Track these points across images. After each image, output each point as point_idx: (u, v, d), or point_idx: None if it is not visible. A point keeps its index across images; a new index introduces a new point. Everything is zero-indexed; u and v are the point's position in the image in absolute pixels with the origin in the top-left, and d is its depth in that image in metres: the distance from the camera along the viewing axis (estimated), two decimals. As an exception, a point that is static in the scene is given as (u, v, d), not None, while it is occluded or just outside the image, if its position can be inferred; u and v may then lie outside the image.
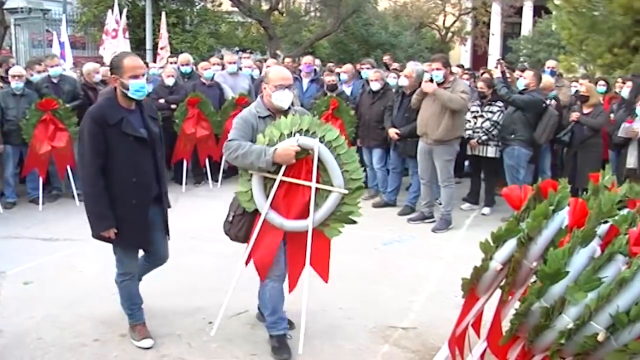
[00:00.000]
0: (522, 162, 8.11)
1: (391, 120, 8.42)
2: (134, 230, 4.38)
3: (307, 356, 4.42)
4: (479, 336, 3.87)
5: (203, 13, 22.77)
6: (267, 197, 4.27)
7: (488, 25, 31.61)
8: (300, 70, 10.48)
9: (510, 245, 3.38)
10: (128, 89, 4.23)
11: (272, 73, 4.43)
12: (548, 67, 10.55)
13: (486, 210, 8.70)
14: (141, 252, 4.67)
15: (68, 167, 8.47)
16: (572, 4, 13.70)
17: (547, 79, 9.10)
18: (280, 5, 24.76)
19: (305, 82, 10.18)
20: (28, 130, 8.13)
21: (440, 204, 8.01)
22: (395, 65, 12.59)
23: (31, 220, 7.82)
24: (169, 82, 9.83)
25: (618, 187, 3.82)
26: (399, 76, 9.38)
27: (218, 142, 9.56)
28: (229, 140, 4.35)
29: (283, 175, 4.22)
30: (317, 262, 4.32)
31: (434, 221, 8.00)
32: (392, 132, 8.21)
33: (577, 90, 9.60)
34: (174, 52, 16.05)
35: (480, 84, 8.80)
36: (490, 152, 8.47)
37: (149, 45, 18.27)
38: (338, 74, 10.20)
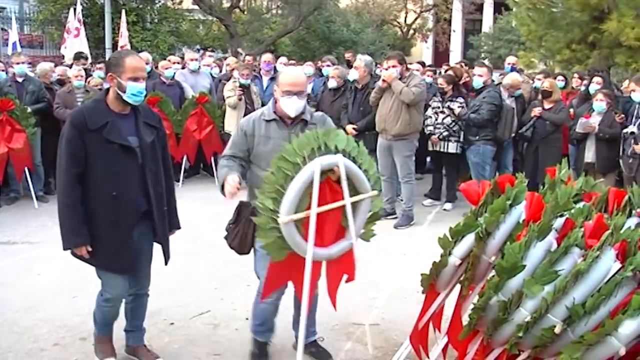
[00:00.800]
0: (487, 159, 8.20)
1: (347, 117, 8.44)
2: (111, 251, 3.87)
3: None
4: (439, 331, 3.90)
5: (163, 11, 22.52)
6: (304, 236, 3.60)
7: (449, 22, 31.94)
8: (261, 69, 10.47)
9: (469, 240, 3.41)
10: (124, 92, 3.79)
11: (282, 77, 4.08)
12: (508, 64, 10.69)
13: (448, 205, 8.76)
14: None
15: (26, 169, 8.31)
16: (531, 0, 13.88)
17: (514, 77, 9.21)
18: (241, 3, 24.64)
19: (265, 80, 10.16)
20: (-17, 131, 7.96)
21: (402, 200, 8.05)
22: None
23: (-12, 224, 7.66)
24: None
25: (575, 181, 3.88)
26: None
27: (179, 141, 9.50)
28: (223, 157, 4.16)
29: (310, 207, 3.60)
30: (347, 268, 4.00)
31: (395, 217, 8.04)
32: (349, 128, 8.22)
33: (535, 86, 9.73)
34: (134, 51, 15.85)
35: (440, 80, 8.86)
36: (452, 147, 8.53)
37: (108, 44, 18.00)
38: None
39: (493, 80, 9.15)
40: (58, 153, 3.83)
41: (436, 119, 8.57)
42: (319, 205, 3.60)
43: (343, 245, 3.83)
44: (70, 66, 10.40)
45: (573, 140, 8.31)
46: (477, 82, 8.39)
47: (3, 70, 9.06)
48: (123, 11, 16.44)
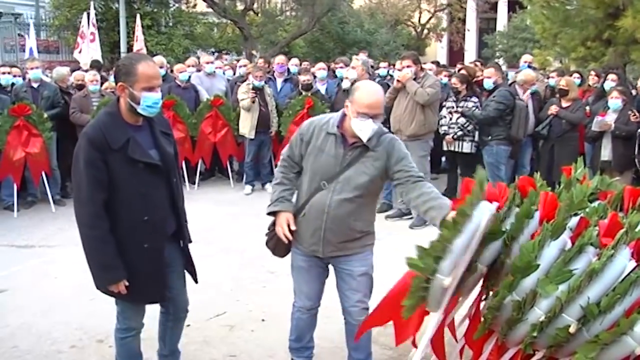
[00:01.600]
0: (501, 159, 8.15)
1: None
2: (147, 280, 3.50)
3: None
4: (454, 335, 3.90)
5: (178, 14, 22.63)
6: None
7: (463, 21, 31.80)
8: (274, 71, 10.50)
9: (495, 246, 3.36)
10: (139, 104, 3.33)
11: (359, 94, 3.57)
12: (525, 62, 10.61)
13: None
14: None
15: (43, 173, 8.38)
16: (545, -2, 13.81)
17: (528, 73, 9.17)
18: (255, 5, 24.68)
19: (279, 82, 10.21)
20: (1, 136, 8.02)
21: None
22: (371, 63, 12.62)
23: (6, 227, 7.73)
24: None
25: (591, 180, 3.86)
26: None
27: (194, 144, 9.56)
28: (281, 158, 3.93)
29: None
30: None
31: (411, 218, 8.03)
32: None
33: (548, 85, 9.67)
34: (149, 55, 15.94)
35: (453, 80, 8.83)
36: (466, 147, 8.51)
37: (123, 48, 18.13)
38: (314, 73, 10.26)
39: (508, 79, 9.10)
40: (74, 176, 3.41)
41: (450, 119, 8.54)
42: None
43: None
44: (86, 71, 10.48)
45: (589, 139, 8.25)
46: (488, 84, 8.42)
47: (20, 76, 9.16)
48: (138, 15, 16.51)
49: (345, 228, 3.73)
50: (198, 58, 13.44)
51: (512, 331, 3.18)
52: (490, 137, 8.09)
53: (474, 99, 8.50)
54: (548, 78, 10.23)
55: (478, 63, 11.85)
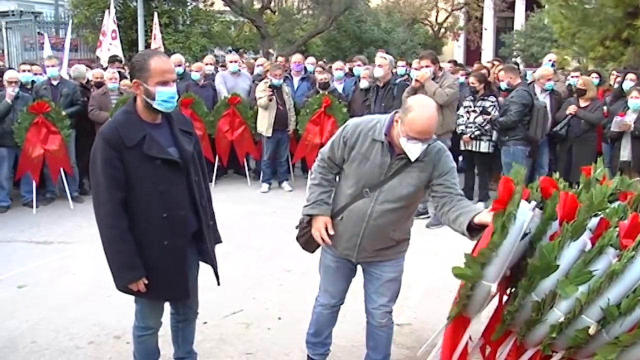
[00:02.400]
0: (519, 159, 8.06)
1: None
2: (167, 279, 3.50)
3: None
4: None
5: (195, 13, 22.69)
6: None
7: (481, 20, 31.65)
8: (291, 70, 10.51)
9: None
10: (154, 99, 3.32)
11: (411, 119, 3.33)
12: (549, 60, 10.50)
13: (480, 205, 8.68)
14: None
15: (61, 170, 8.45)
16: (563, -3, 13.71)
17: (544, 68, 9.12)
18: (272, 4, 24.72)
19: (296, 80, 10.22)
20: (20, 133, 8.09)
21: (434, 199, 7.99)
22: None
23: (25, 224, 7.79)
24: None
25: (610, 180, 3.82)
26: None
27: (212, 142, 9.59)
28: (320, 157, 3.80)
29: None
30: None
31: (428, 217, 8.01)
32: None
33: (569, 84, 9.60)
34: (167, 53, 16.01)
35: (471, 79, 8.79)
36: (484, 147, 8.46)
37: (141, 46, 18.19)
38: (331, 72, 10.26)
39: (526, 79, 9.04)
40: (92, 176, 3.40)
41: (468, 118, 8.51)
42: None
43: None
44: (106, 69, 10.55)
45: (607, 139, 8.19)
46: (503, 85, 8.48)
47: (40, 74, 9.23)
48: (155, 13, 16.60)
49: (384, 237, 3.69)
50: (215, 56, 13.46)
51: (531, 332, 3.15)
52: (507, 137, 8.04)
53: (492, 98, 8.46)
54: (566, 78, 10.14)
55: (496, 62, 11.77)
